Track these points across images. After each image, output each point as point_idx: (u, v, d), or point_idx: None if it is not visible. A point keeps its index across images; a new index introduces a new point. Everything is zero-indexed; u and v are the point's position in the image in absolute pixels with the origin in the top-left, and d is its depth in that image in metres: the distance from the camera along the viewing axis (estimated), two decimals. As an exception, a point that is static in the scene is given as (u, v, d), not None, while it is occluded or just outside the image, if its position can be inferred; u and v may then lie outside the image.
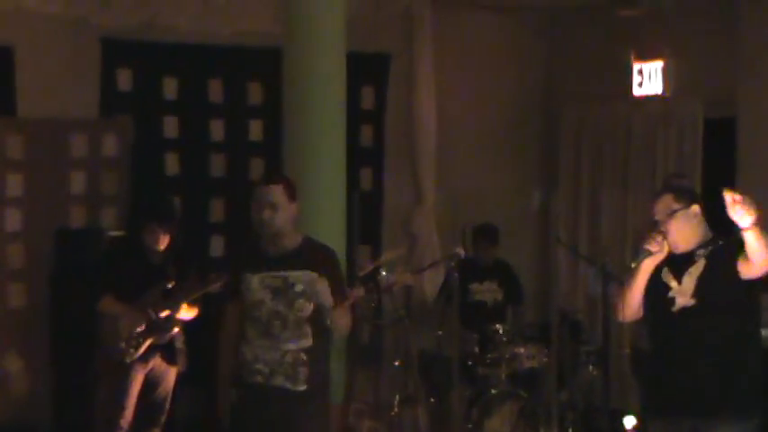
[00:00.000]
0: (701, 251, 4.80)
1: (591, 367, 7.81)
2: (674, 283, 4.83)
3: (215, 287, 6.23)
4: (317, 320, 5.28)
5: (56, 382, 8.01)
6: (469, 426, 7.45)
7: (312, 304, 5.25)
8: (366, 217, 8.87)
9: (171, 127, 8.93)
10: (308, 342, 5.30)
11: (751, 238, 4.46)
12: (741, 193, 4.40)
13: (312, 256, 5.35)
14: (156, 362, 6.79)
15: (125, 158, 8.64)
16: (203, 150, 9.05)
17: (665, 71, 9.20)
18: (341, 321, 5.32)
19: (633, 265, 4.94)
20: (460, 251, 7.11)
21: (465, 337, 7.65)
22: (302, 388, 5.29)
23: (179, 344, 6.82)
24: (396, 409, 7.67)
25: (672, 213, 4.82)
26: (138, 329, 6.62)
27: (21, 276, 8.30)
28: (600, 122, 9.77)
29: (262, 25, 8.58)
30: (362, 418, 7.73)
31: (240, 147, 9.11)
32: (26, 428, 8.04)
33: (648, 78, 9.32)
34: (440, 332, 7.88)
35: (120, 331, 6.62)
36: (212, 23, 8.74)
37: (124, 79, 8.75)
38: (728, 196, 4.38)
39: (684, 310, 4.80)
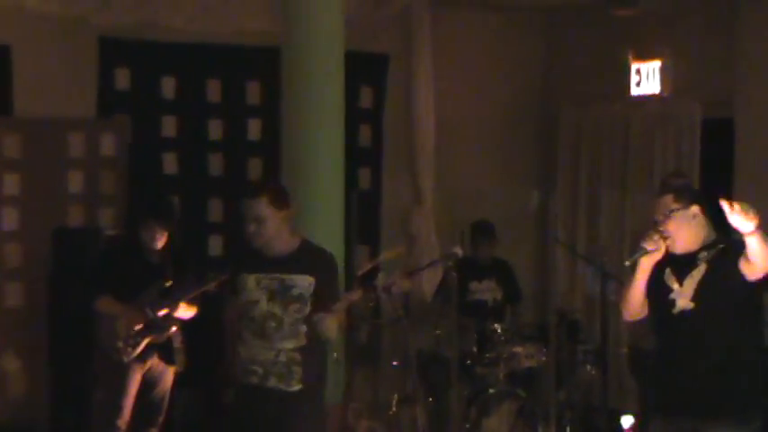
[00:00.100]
0: (703, 254, 4.79)
1: (589, 367, 7.81)
2: (675, 285, 4.83)
3: (213, 286, 6.22)
4: (313, 322, 5.29)
5: (53, 381, 7.99)
6: (467, 425, 7.45)
7: (308, 307, 5.26)
8: (364, 217, 8.87)
9: (169, 126, 8.93)
10: (302, 341, 5.31)
11: (753, 243, 4.46)
12: (738, 200, 4.40)
13: (309, 259, 5.36)
14: (154, 361, 6.78)
15: (123, 158, 8.64)
16: (201, 150, 9.05)
17: (663, 71, 9.20)
18: (329, 328, 5.29)
19: (627, 263, 4.94)
20: (458, 251, 7.10)
21: (463, 337, 7.64)
22: (296, 388, 5.30)
23: (177, 343, 6.81)
24: (394, 409, 7.67)
25: (670, 213, 4.82)
26: (136, 329, 6.61)
27: (18, 276, 8.30)
28: (598, 122, 9.77)
29: (260, 25, 8.58)
30: (361, 417, 7.73)
31: (238, 146, 9.11)
32: (24, 428, 8.04)
33: (646, 78, 9.32)
34: (438, 332, 7.88)
35: (118, 330, 6.61)
36: (210, 23, 8.73)
37: (122, 78, 8.75)
38: (726, 205, 4.38)
39: (684, 312, 4.80)
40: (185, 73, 8.93)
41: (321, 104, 7.34)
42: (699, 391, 4.77)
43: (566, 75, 10.07)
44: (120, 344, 6.59)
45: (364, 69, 9.14)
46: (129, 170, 8.65)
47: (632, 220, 9.21)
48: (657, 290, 4.89)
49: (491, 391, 7.53)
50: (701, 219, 4.80)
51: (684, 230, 4.80)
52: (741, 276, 4.63)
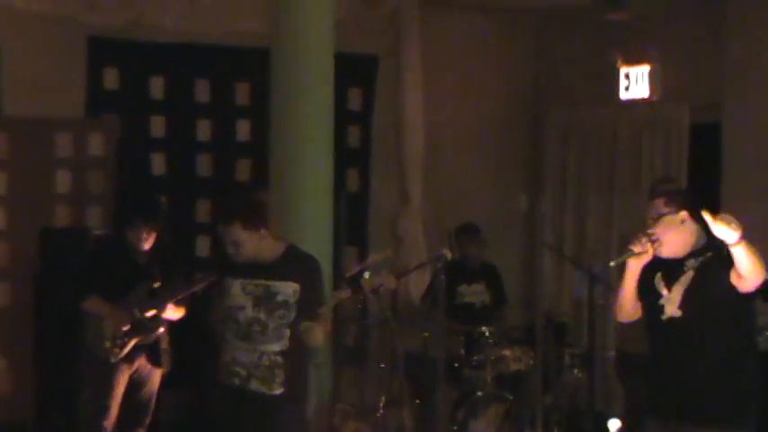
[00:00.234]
0: (691, 261, 4.79)
1: (576, 370, 7.81)
2: (664, 291, 4.84)
3: (201, 287, 6.21)
4: (297, 327, 5.31)
5: (40, 381, 7.97)
6: (455, 427, 7.46)
7: (293, 313, 5.27)
8: (353, 218, 8.87)
9: (158, 126, 8.92)
10: (285, 345, 5.34)
11: (740, 254, 4.43)
12: (722, 210, 4.40)
13: (294, 265, 5.39)
14: (141, 362, 6.76)
15: (111, 158, 8.62)
16: (190, 150, 9.04)
17: (652, 75, 9.22)
18: (316, 338, 5.30)
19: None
20: (447, 253, 7.10)
21: (451, 339, 7.65)
22: (278, 392, 5.32)
23: (164, 344, 6.80)
24: (381, 411, 7.67)
25: (659, 217, 4.82)
26: (124, 329, 6.59)
27: (5, 275, 8.28)
28: (586, 125, 9.79)
29: (249, 25, 8.57)
30: (347, 419, 7.73)
31: (227, 147, 9.10)
32: (9, 428, 8.01)
33: (635, 82, 9.34)
34: (425, 334, 7.88)
35: (105, 331, 6.59)
36: (200, 23, 8.72)
37: (111, 78, 8.74)
38: (708, 217, 4.38)
39: (672, 319, 4.81)
40: (174, 73, 8.92)
41: (310, 106, 7.35)
42: (690, 397, 4.78)
43: (554, 78, 10.09)
44: (108, 344, 6.57)
45: (353, 71, 9.14)
46: (117, 170, 8.63)
47: (620, 223, 9.24)
48: (648, 295, 4.89)
49: (478, 393, 7.53)
50: (690, 224, 4.79)
51: (672, 235, 4.80)
52: (728, 284, 4.62)
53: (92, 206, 8.54)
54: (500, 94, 10.07)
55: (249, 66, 8.75)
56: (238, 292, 5.33)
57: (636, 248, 4.82)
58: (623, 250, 4.90)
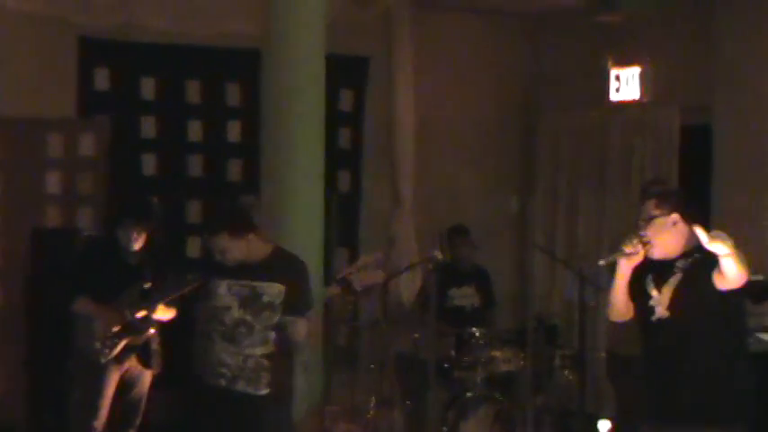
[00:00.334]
0: (681, 263, 4.80)
1: (567, 371, 7.82)
2: (654, 293, 4.84)
3: (192, 288, 6.21)
4: (282, 330, 5.33)
5: (30, 382, 7.96)
6: (445, 429, 7.45)
7: (279, 315, 5.28)
8: (344, 219, 8.88)
9: (148, 127, 8.91)
10: (270, 348, 5.36)
11: (729, 264, 4.47)
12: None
13: (280, 266, 5.42)
14: (132, 363, 6.75)
15: (102, 158, 8.60)
16: (181, 151, 9.03)
17: (643, 77, 9.25)
18: (299, 332, 5.33)
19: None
20: (438, 254, 7.11)
21: (441, 340, 7.65)
22: (264, 392, 5.34)
23: (155, 345, 6.79)
24: (371, 412, 7.67)
25: (650, 219, 4.83)
26: (114, 330, 6.58)
27: (-4, 276, 8.27)
28: (577, 127, 9.80)
29: (241, 26, 8.57)
30: (338, 420, 7.73)
31: (218, 148, 9.10)
32: (1, 428, 7.99)
33: (626, 84, 9.36)
34: (416, 335, 7.88)
35: (96, 332, 6.58)
36: (191, 24, 8.72)
37: (102, 79, 8.73)
38: (702, 234, 4.41)
39: (661, 321, 4.82)
40: (165, 74, 8.91)
41: (301, 106, 7.35)
42: (681, 399, 4.78)
43: (546, 80, 10.10)
44: (98, 345, 6.56)
45: (345, 72, 9.14)
46: (108, 171, 8.61)
47: (611, 225, 9.25)
48: (639, 296, 4.90)
49: (469, 394, 7.53)
50: (681, 226, 4.79)
51: (663, 237, 4.80)
52: (713, 288, 4.64)
53: (83, 207, 8.53)
54: (492, 96, 10.07)
55: (240, 67, 8.75)
56: (225, 292, 5.36)
57: (627, 249, 4.82)
58: (614, 251, 4.91)
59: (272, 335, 5.33)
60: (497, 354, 7.69)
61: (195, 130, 9.05)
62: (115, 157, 8.66)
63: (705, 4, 8.52)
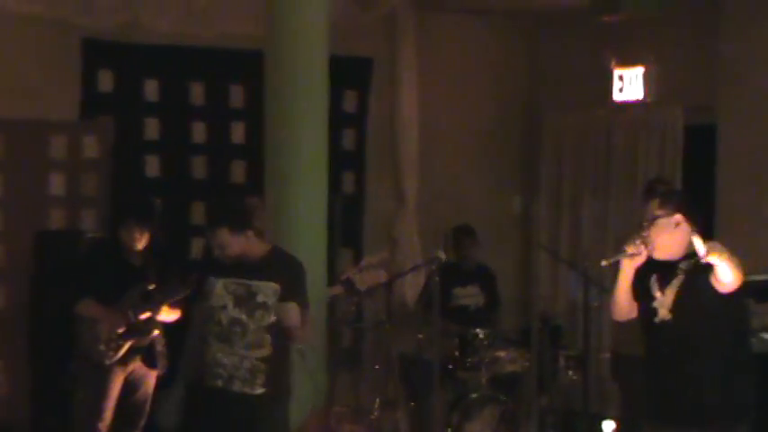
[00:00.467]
0: (684, 265, 4.79)
1: (571, 372, 7.82)
2: (658, 294, 4.84)
3: (193, 288, 6.21)
4: (278, 330, 5.33)
5: (34, 383, 7.96)
6: (449, 430, 7.45)
7: (273, 316, 5.30)
8: (348, 220, 8.89)
9: (152, 129, 8.90)
10: (265, 351, 5.37)
11: (724, 270, 4.50)
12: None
13: (276, 265, 5.43)
14: (137, 365, 6.75)
15: (105, 160, 8.61)
16: (184, 152, 9.02)
17: (646, 77, 9.24)
18: (290, 316, 5.31)
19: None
20: (441, 255, 7.11)
21: (445, 341, 7.65)
22: (260, 391, 5.37)
23: (159, 346, 6.78)
24: (376, 413, 7.67)
25: (653, 219, 4.82)
26: (118, 332, 6.58)
27: (0, 278, 8.26)
28: (581, 128, 9.79)
29: (244, 28, 8.56)
30: (343, 421, 7.72)
31: (222, 149, 9.09)
32: (4, 430, 8.00)
33: (629, 84, 9.35)
34: (420, 336, 7.88)
35: (100, 333, 6.58)
36: (194, 25, 8.71)
37: (105, 81, 8.72)
38: (700, 245, 4.42)
39: (664, 322, 4.82)
40: (168, 75, 8.90)
41: (305, 108, 7.35)
42: (684, 400, 4.78)
43: (549, 80, 10.10)
44: (102, 347, 6.56)
45: (348, 73, 9.13)
46: (111, 173, 8.62)
47: (615, 225, 9.24)
48: (643, 297, 4.90)
49: (473, 395, 7.53)
50: (684, 227, 4.77)
51: (665, 238, 4.79)
52: (713, 289, 4.64)
53: (86, 209, 8.53)
54: (495, 96, 10.07)
55: (244, 68, 8.75)
56: (221, 291, 5.38)
57: (630, 250, 4.82)
58: (618, 251, 4.90)
59: (268, 338, 5.33)
60: (501, 354, 7.69)
61: (199, 132, 9.05)
62: (118, 159, 8.67)
63: (709, 3, 8.51)
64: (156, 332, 6.73)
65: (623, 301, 4.96)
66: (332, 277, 7.82)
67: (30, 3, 8.21)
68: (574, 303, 8.73)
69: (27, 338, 8.02)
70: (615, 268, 4.97)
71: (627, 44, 9.27)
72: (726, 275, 4.52)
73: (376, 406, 7.68)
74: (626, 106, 9.38)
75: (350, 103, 9.54)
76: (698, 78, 8.71)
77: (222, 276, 5.38)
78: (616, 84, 9.42)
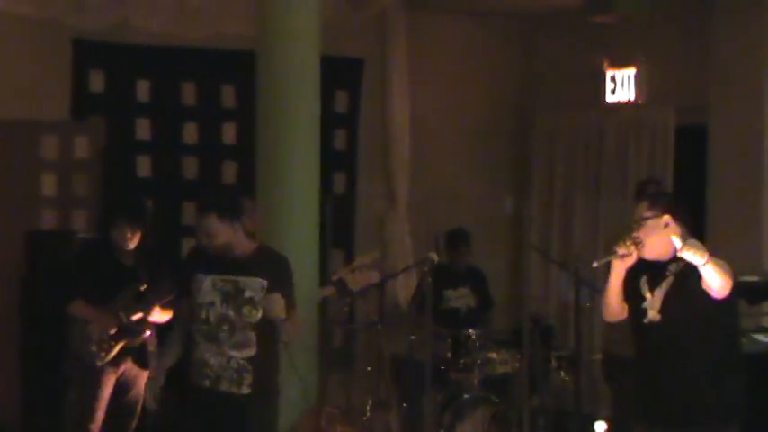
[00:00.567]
0: (673, 266, 4.80)
1: (562, 372, 7.83)
2: (648, 295, 4.85)
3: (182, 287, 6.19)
4: (264, 329, 5.32)
5: (26, 384, 7.95)
6: (441, 430, 7.46)
7: (260, 312, 5.29)
8: (339, 221, 8.88)
9: (143, 129, 8.90)
10: (251, 351, 5.36)
11: (708, 273, 4.51)
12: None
13: (263, 262, 5.41)
14: (128, 366, 6.74)
15: (97, 161, 8.60)
16: (176, 153, 9.02)
17: (638, 78, 9.26)
18: (275, 308, 5.30)
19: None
20: (434, 256, 7.10)
21: (437, 342, 7.65)
22: (247, 391, 5.36)
23: (151, 347, 6.77)
24: (368, 414, 7.66)
25: (642, 221, 4.83)
26: (110, 333, 6.57)
27: (-9, 278, 8.26)
28: (572, 128, 9.81)
29: (236, 28, 8.56)
30: (334, 422, 7.72)
31: (213, 150, 9.09)
32: (-5, 430, 8.00)
33: (621, 85, 9.38)
34: (412, 337, 7.88)
35: (91, 334, 6.57)
36: (186, 26, 8.70)
37: (96, 81, 8.72)
38: (676, 241, 4.45)
39: (653, 323, 4.83)
40: (160, 76, 8.90)
41: (296, 108, 7.35)
42: (674, 401, 4.79)
43: (541, 81, 10.11)
44: (94, 347, 6.54)
45: (339, 73, 9.14)
46: (102, 173, 8.61)
47: (606, 225, 9.26)
48: (633, 298, 4.91)
49: (465, 396, 7.53)
50: (673, 228, 4.78)
51: (654, 239, 4.79)
52: (703, 292, 4.64)
53: (77, 209, 8.52)
54: (486, 97, 10.08)
55: (235, 68, 8.75)
56: (209, 288, 5.37)
57: (620, 250, 4.83)
58: (609, 252, 4.91)
59: (254, 337, 5.33)
60: (493, 355, 7.69)
61: (190, 132, 9.05)
62: (110, 159, 8.66)
63: (700, 4, 8.53)
64: (148, 333, 6.72)
65: (614, 302, 4.97)
66: (323, 278, 7.81)
67: (20, 3, 8.20)
68: (565, 304, 8.75)
69: (18, 339, 8.00)
70: (606, 269, 4.98)
71: (618, 45, 9.29)
72: (713, 281, 4.53)
73: (368, 407, 7.67)
74: (617, 107, 9.40)
75: (341, 103, 9.55)
76: (689, 79, 8.73)
77: (209, 273, 5.37)
78: (608, 85, 9.44)
